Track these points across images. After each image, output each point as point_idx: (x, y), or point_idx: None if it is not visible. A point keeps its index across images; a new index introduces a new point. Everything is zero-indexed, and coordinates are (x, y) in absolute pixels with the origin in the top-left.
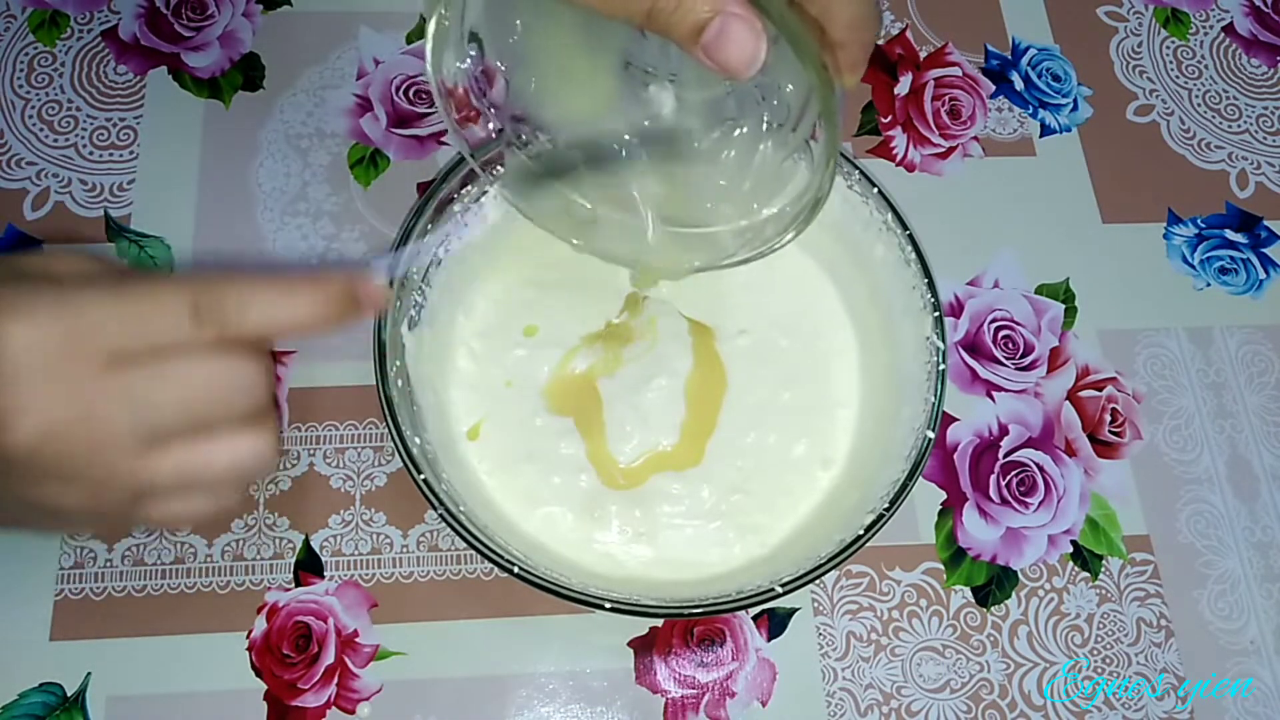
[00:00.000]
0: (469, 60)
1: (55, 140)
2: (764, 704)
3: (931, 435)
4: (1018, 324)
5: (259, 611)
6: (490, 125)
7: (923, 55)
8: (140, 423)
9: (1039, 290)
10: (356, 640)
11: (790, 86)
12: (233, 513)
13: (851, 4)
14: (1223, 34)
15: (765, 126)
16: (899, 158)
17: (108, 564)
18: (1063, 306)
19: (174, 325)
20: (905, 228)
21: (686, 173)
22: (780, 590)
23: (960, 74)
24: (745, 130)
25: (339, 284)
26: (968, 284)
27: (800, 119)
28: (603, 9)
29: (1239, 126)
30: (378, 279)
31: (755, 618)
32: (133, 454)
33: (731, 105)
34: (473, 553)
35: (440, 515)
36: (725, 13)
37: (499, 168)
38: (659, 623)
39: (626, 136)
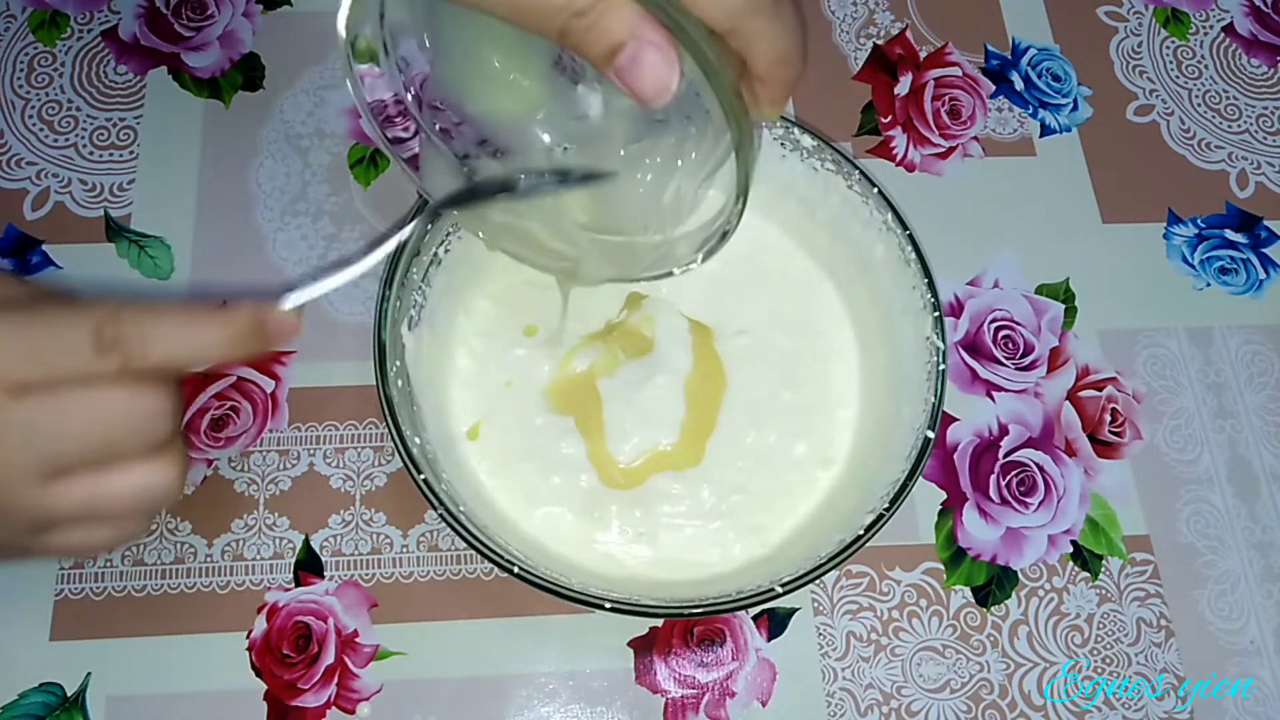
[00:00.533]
0: (389, 41)
1: (55, 140)
2: (764, 704)
3: (931, 435)
4: (1018, 324)
5: (259, 611)
6: (407, 99)
7: (923, 55)
8: (39, 455)
9: (1039, 290)
10: (356, 640)
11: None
12: (231, 516)
13: (775, 42)
14: (1223, 34)
15: (688, 141)
16: (899, 158)
17: (108, 564)
18: (1063, 306)
19: (76, 356)
20: (905, 228)
21: (608, 180)
22: (780, 590)
23: (960, 74)
24: (669, 142)
25: (246, 315)
26: (968, 284)
27: (721, 140)
28: (518, 22)
29: (1239, 126)
30: (287, 308)
31: (755, 618)
32: (31, 486)
33: (658, 116)
34: (473, 553)
35: (440, 515)
36: (640, 39)
37: (413, 149)
38: (659, 623)
39: (548, 136)
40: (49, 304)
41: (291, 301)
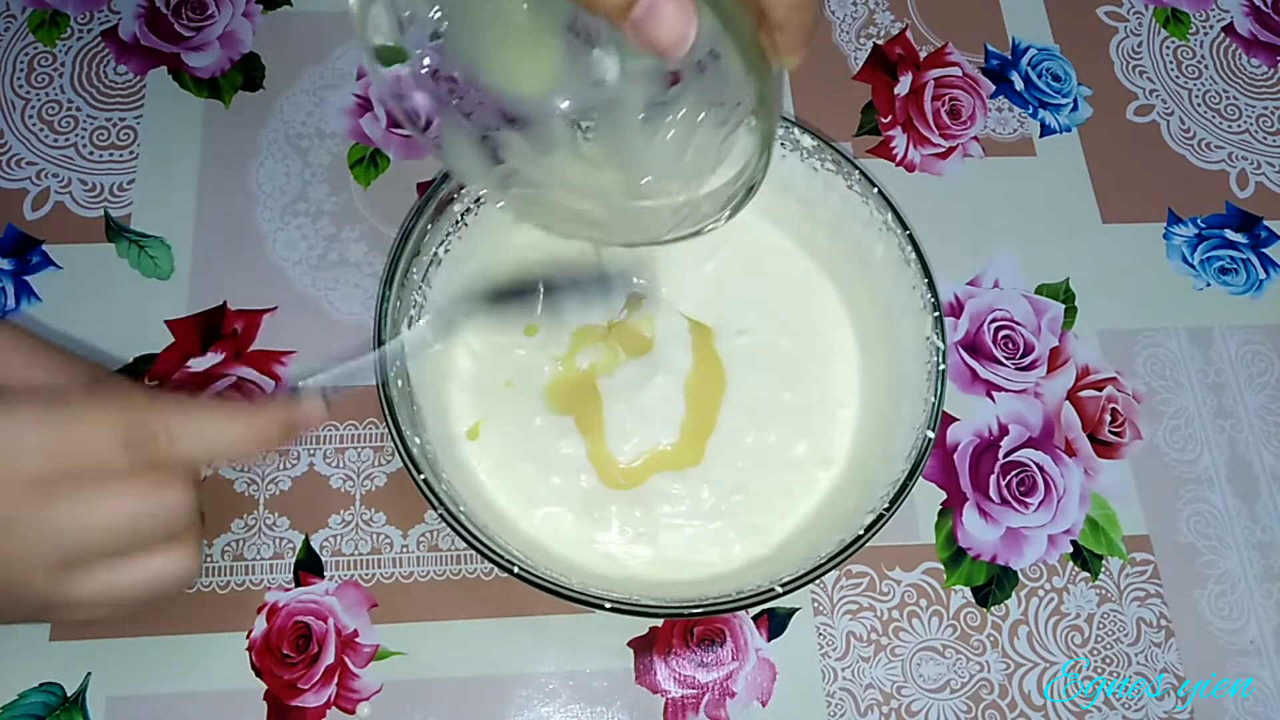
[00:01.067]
0: (402, 17)
1: (55, 140)
2: (764, 704)
3: (931, 435)
4: (1018, 324)
5: (259, 611)
6: (424, 62)
7: (923, 55)
8: (59, 548)
9: (1039, 290)
10: (356, 640)
11: (732, 59)
12: (231, 516)
13: None
14: (1223, 34)
15: (707, 98)
16: (899, 158)
17: None
18: (1063, 306)
19: (103, 454)
20: (905, 227)
21: (629, 143)
22: (780, 590)
23: (960, 74)
24: (689, 101)
25: (274, 412)
26: (968, 284)
27: (741, 93)
28: None
29: (1239, 126)
30: (313, 403)
31: (755, 618)
32: (49, 575)
33: (675, 75)
34: (473, 553)
35: (440, 515)
36: None
37: (431, 118)
38: (659, 623)
39: (566, 103)
40: (77, 393)
41: (315, 394)
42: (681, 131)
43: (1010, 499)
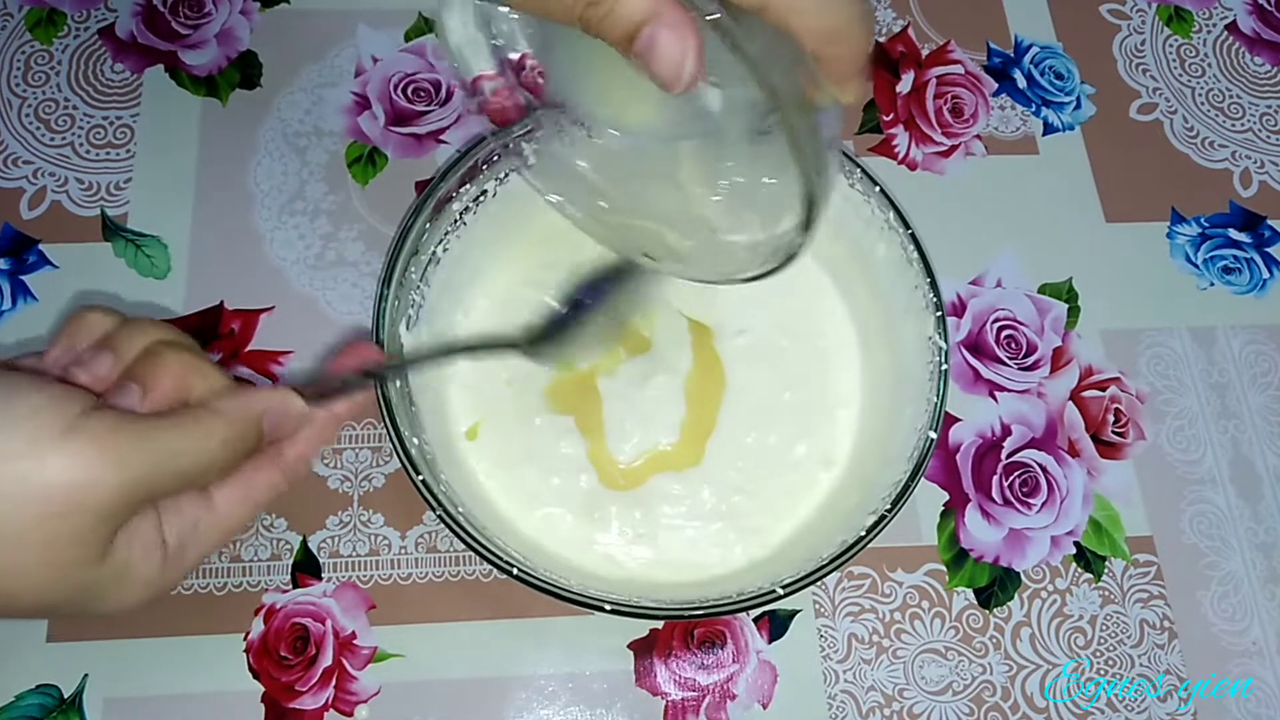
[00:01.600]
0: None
1: (52, 139)
2: (765, 706)
3: (934, 436)
4: (1020, 324)
5: (256, 613)
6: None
7: (925, 53)
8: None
9: (1042, 290)
10: (354, 642)
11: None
12: None
13: (815, 16)
14: (1226, 32)
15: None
16: (901, 156)
17: None
18: (1066, 306)
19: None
20: (907, 226)
21: (719, 172)
22: (781, 592)
23: (963, 72)
24: (771, 137)
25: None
26: (970, 283)
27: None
28: (544, 16)
29: (1242, 125)
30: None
31: (756, 620)
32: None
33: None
34: (471, 554)
35: (439, 516)
36: (656, 20)
37: (521, 140)
38: (659, 625)
39: (667, 130)
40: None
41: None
42: (773, 164)
43: (1013, 500)
